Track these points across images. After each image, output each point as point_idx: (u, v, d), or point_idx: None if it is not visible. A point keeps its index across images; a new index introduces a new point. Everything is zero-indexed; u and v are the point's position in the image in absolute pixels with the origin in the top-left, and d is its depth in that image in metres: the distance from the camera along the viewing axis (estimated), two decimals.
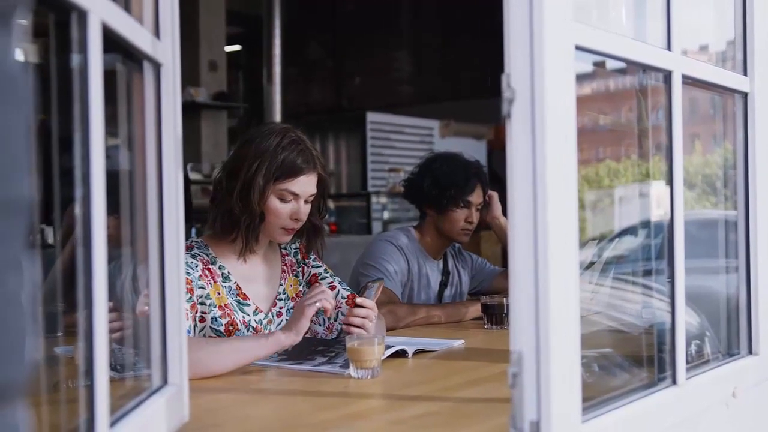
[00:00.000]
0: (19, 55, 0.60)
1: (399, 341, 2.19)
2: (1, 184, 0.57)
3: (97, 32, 1.03)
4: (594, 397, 1.35)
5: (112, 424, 1.11)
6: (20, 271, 0.59)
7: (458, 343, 2.37)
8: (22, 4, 0.60)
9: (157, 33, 1.37)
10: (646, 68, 1.58)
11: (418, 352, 2.20)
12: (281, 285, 2.37)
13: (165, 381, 1.39)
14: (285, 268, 2.40)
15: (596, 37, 1.34)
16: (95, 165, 1.03)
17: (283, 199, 2.21)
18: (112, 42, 1.13)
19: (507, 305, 2.67)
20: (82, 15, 1.01)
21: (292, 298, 2.38)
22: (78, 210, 1.03)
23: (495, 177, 6.08)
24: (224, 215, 2.22)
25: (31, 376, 0.61)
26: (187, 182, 4.41)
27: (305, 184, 2.23)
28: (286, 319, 2.31)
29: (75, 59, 1.03)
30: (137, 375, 1.47)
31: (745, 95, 1.83)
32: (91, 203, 1.03)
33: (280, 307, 2.35)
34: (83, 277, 1.03)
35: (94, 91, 1.03)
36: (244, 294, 2.26)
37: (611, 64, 1.56)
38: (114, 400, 1.10)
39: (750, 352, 1.83)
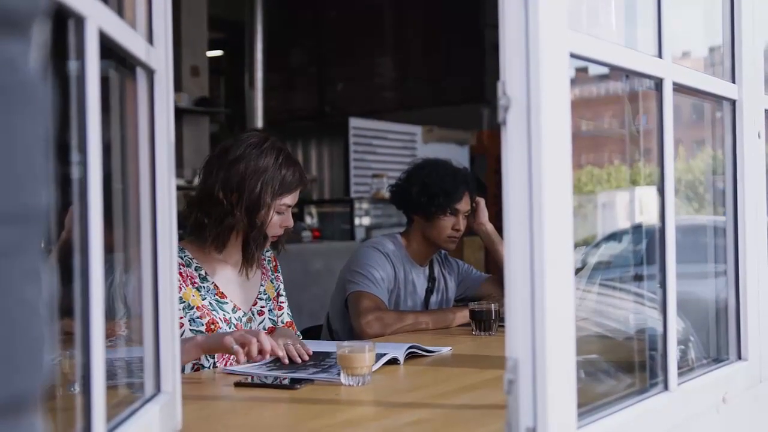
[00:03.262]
0: (37, 64, 0.59)
1: (388, 347, 2.19)
2: (20, 193, 0.57)
3: (95, 38, 1.03)
4: (588, 403, 1.35)
5: None
6: (38, 280, 0.58)
7: (446, 350, 2.37)
8: (40, 13, 0.60)
9: (150, 39, 1.37)
10: (638, 76, 1.59)
11: (411, 355, 2.21)
12: (262, 285, 2.45)
13: (158, 389, 1.38)
14: (264, 270, 2.49)
15: (590, 45, 1.34)
16: (92, 171, 1.02)
17: (279, 212, 2.32)
18: (107, 48, 1.12)
19: (495, 311, 2.67)
20: (80, 21, 1.00)
21: (273, 299, 2.47)
22: (75, 216, 1.02)
23: (477, 183, 6.09)
24: (227, 231, 2.28)
25: (48, 385, 0.60)
26: None
27: (297, 195, 2.36)
28: (269, 318, 2.43)
29: (72, 65, 1.03)
30: (128, 383, 1.46)
31: (733, 102, 1.85)
32: (88, 210, 1.02)
33: (262, 306, 2.43)
34: (80, 284, 1.02)
35: (91, 97, 1.02)
36: (222, 293, 2.32)
37: (593, 70, 1.57)
38: (107, 408, 1.10)
39: (739, 357, 1.84)
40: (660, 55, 1.54)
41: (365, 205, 7.61)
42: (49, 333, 0.60)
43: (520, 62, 1.19)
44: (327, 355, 2.19)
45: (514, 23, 1.19)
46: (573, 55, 1.27)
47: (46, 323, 0.59)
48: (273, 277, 2.52)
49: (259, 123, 8.94)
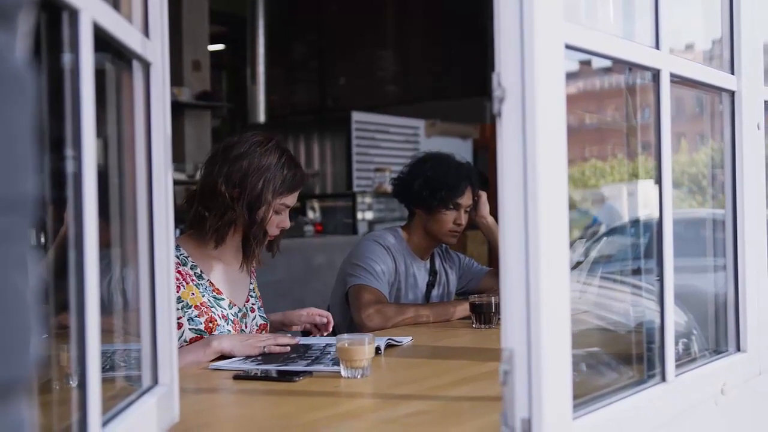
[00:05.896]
0: (22, 54, 0.60)
1: (380, 340, 2.21)
2: (7, 182, 0.57)
3: (89, 31, 1.03)
4: (585, 395, 1.35)
5: (104, 424, 1.11)
6: (26, 269, 0.59)
7: (407, 340, 2.40)
8: (25, 3, 0.60)
9: (146, 32, 1.37)
10: (634, 67, 1.59)
11: (389, 346, 2.26)
12: (251, 284, 2.49)
13: (155, 381, 1.39)
14: (252, 270, 2.52)
15: (586, 36, 1.34)
16: (87, 165, 1.02)
17: (277, 212, 2.34)
18: (102, 41, 1.12)
19: (495, 304, 2.67)
20: (74, 14, 1.00)
21: (259, 297, 2.51)
22: (69, 211, 1.03)
23: (481, 177, 6.09)
24: (226, 226, 2.30)
25: (35, 373, 0.61)
26: None
27: (296, 197, 2.39)
28: (260, 315, 2.46)
29: (65, 58, 1.03)
30: (126, 375, 1.46)
31: (732, 93, 1.84)
32: (82, 204, 1.02)
33: (252, 304, 2.47)
34: (75, 278, 1.02)
35: (85, 90, 1.02)
36: (218, 289, 2.35)
37: (597, 62, 1.57)
38: (104, 401, 1.10)
39: (738, 349, 1.84)
40: (657, 47, 1.54)
41: (368, 200, 7.61)
42: (37, 321, 0.60)
43: (515, 53, 1.19)
44: (308, 347, 2.22)
45: (509, 14, 1.18)
46: (568, 46, 1.27)
47: (33, 311, 0.59)
48: (256, 277, 2.56)
49: (261, 117, 8.95)
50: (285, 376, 1.88)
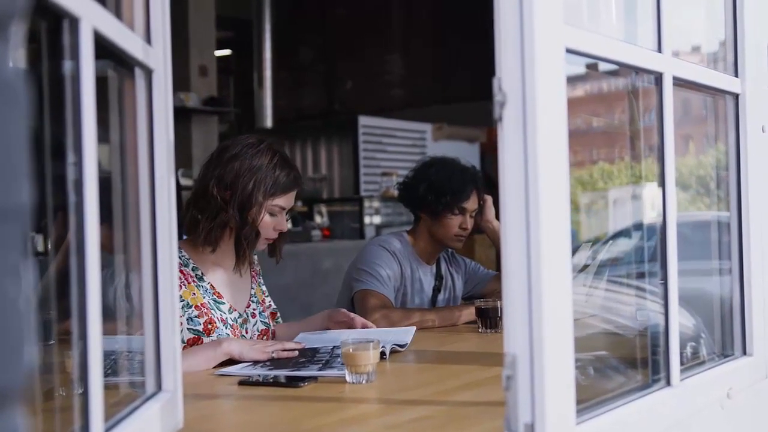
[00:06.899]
0: (16, 62, 0.60)
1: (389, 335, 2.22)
2: (1, 191, 0.57)
3: (89, 39, 1.03)
4: (588, 399, 1.35)
5: (107, 431, 1.11)
6: (19, 277, 0.59)
7: (410, 334, 2.41)
8: (19, 12, 0.60)
9: (148, 39, 1.37)
10: (637, 70, 1.58)
11: (394, 351, 2.25)
12: (252, 288, 2.49)
13: (159, 387, 1.39)
14: (254, 274, 2.52)
15: (587, 40, 1.34)
16: (88, 172, 1.03)
17: (272, 214, 2.34)
18: (103, 48, 1.13)
19: (501, 308, 2.67)
20: (74, 22, 1.01)
21: (261, 302, 2.51)
22: (71, 217, 1.03)
23: (488, 180, 6.08)
24: (219, 228, 2.30)
25: (29, 381, 0.61)
26: (178, 188, 4.47)
27: (292, 199, 2.38)
28: (261, 321, 2.46)
29: (66, 65, 1.03)
30: (130, 381, 1.46)
31: (736, 96, 1.84)
32: (84, 211, 1.02)
33: (253, 309, 2.47)
34: (77, 284, 1.02)
35: (86, 98, 1.03)
36: (219, 293, 2.35)
37: (603, 65, 1.56)
38: (108, 407, 1.10)
39: (744, 353, 1.83)
40: (659, 50, 1.54)
41: (375, 204, 7.61)
42: (31, 329, 0.60)
43: (516, 58, 1.19)
44: (316, 351, 2.22)
45: (509, 18, 1.18)
46: (569, 50, 1.26)
47: (27, 319, 0.59)
48: (260, 281, 2.56)
49: (268, 122, 8.95)
50: (290, 382, 1.88)
